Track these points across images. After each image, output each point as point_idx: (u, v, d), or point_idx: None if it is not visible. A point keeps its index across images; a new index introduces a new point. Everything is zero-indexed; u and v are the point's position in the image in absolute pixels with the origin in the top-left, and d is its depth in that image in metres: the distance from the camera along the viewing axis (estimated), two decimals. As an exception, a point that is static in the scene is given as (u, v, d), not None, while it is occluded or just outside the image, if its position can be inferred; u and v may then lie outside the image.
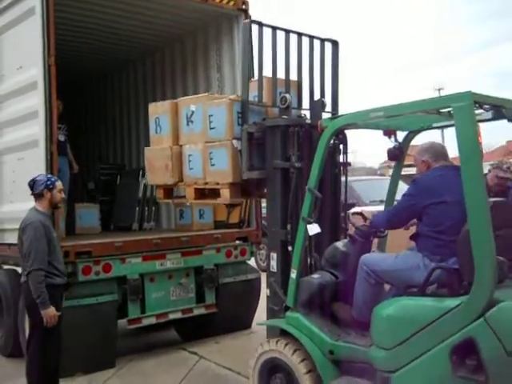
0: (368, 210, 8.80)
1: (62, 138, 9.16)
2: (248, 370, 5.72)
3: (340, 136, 5.93)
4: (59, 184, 6.17)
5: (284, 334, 5.44)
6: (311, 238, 5.57)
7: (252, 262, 8.70)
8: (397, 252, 5.12)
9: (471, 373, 4.02)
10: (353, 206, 11.00)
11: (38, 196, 6.01)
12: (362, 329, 4.94)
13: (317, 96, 6.44)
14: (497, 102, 4.43)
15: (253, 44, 6.38)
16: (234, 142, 6.01)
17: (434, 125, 5.54)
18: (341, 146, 6.06)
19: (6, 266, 8.66)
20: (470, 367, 4.04)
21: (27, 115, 7.61)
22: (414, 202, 4.82)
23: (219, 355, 7.69)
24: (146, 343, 8.79)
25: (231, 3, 8.74)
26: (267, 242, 6.16)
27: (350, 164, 6.27)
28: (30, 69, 7.53)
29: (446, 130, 5.84)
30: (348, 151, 6.08)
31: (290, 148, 5.73)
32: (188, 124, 6.64)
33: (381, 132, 5.59)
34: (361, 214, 6.04)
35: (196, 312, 8.32)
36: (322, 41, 6.45)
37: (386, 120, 5.12)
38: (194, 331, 8.63)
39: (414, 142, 5.86)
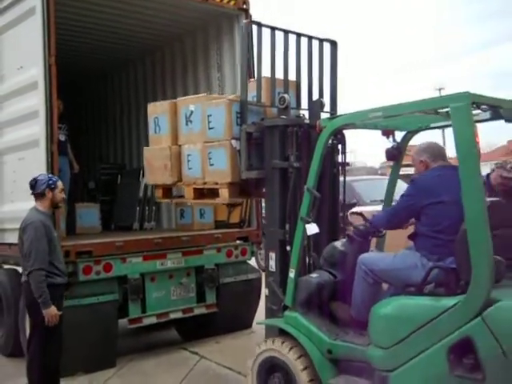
0: (366, 209, 8.85)
1: (62, 137, 9.19)
2: (247, 369, 5.76)
3: (338, 136, 5.96)
4: (60, 184, 6.21)
5: (282, 333, 5.47)
6: (310, 237, 5.58)
7: (252, 261, 8.73)
8: (395, 251, 5.16)
9: (468, 372, 4.05)
10: (354, 205, 11.07)
11: (39, 195, 6.03)
12: (360, 328, 4.96)
13: (315, 96, 6.45)
14: (494, 103, 4.45)
15: (252, 44, 6.42)
16: (233, 141, 6.04)
17: (432, 125, 5.57)
18: (339, 146, 6.08)
19: (6, 266, 8.68)
20: (467, 366, 4.06)
21: (28, 115, 7.64)
22: (413, 201, 4.86)
23: (220, 355, 7.71)
24: (147, 343, 8.82)
25: (232, 3, 8.76)
26: (265, 241, 6.20)
27: (348, 164, 6.30)
28: (30, 69, 7.57)
29: (446, 130, 5.82)
30: (346, 151, 6.11)
31: (288, 148, 5.76)
32: (187, 124, 6.67)
33: (380, 132, 5.64)
34: (360, 214, 6.07)
35: (197, 312, 8.33)
36: (321, 41, 6.47)
37: (385, 120, 5.15)
38: (194, 331, 8.66)
39: (412, 142, 5.89)
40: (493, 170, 7.06)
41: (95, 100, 13.60)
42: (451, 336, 4.13)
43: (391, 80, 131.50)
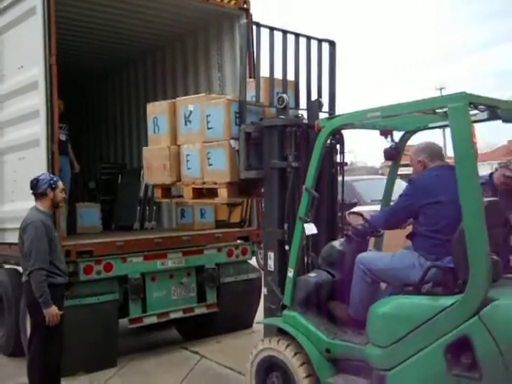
0: (364, 209, 8.88)
1: (63, 137, 9.20)
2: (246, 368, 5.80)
3: (337, 136, 5.98)
4: (61, 184, 6.24)
5: (281, 332, 5.51)
6: (308, 237, 5.61)
7: (253, 261, 8.76)
8: (393, 251, 5.19)
9: (466, 370, 4.09)
10: (354, 205, 11.11)
11: (40, 195, 6.05)
12: (359, 327, 5.00)
13: (314, 96, 6.47)
14: (491, 103, 4.48)
15: (252, 44, 6.44)
16: (232, 141, 6.05)
17: (431, 125, 5.59)
18: (338, 146, 6.11)
19: (7, 266, 8.71)
20: (464, 365, 4.10)
21: (28, 115, 7.67)
22: (411, 201, 4.88)
23: (220, 355, 7.73)
24: (148, 342, 8.85)
25: (232, 2, 8.78)
26: (264, 241, 6.23)
27: (346, 164, 6.31)
28: (31, 68, 7.59)
29: (447, 130, 5.80)
30: (345, 151, 6.13)
31: (287, 148, 5.79)
32: (186, 124, 6.69)
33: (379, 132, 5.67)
34: (358, 213, 6.09)
35: (197, 311, 8.37)
36: (320, 41, 6.49)
37: (383, 120, 5.17)
38: (195, 330, 8.69)
39: (410, 142, 5.92)
40: (496, 170, 7.09)
41: (96, 100, 13.61)
42: (449, 335, 4.17)
43: (391, 80, 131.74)
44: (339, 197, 6.25)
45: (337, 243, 5.77)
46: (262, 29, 6.11)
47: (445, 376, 4.18)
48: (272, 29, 6.14)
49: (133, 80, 12.06)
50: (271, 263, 5.92)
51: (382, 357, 4.57)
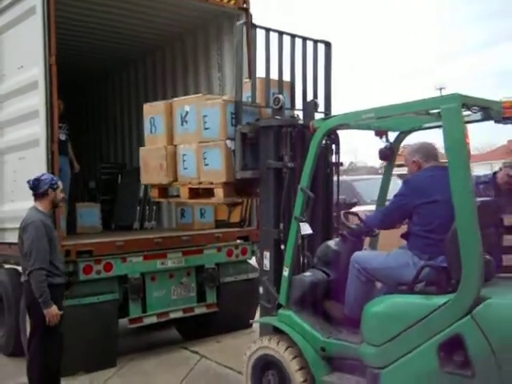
0: (364, 209, 8.91)
1: (62, 137, 9.23)
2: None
3: (332, 136, 6.04)
4: (61, 184, 6.31)
5: (277, 331, 5.57)
6: (304, 236, 5.67)
7: (253, 261, 8.78)
8: (388, 250, 5.24)
9: (458, 368, 4.15)
10: (354, 205, 11.13)
11: (41, 195, 6.08)
12: (353, 326, 5.04)
13: (310, 97, 6.52)
14: (484, 104, 4.54)
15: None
16: (228, 142, 6.10)
17: (425, 125, 5.63)
18: (333, 146, 6.16)
19: (6, 265, 8.74)
20: (457, 363, 4.16)
21: (28, 114, 7.70)
22: (406, 201, 4.93)
23: (220, 354, 7.77)
24: (147, 342, 8.89)
25: (232, 2, 8.82)
26: (260, 240, 6.26)
27: (342, 164, 6.36)
28: (30, 68, 7.62)
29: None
30: (345, 151, 6.19)
31: (282, 148, 5.83)
32: (182, 124, 6.75)
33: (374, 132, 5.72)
34: (354, 213, 6.11)
35: (197, 311, 8.41)
36: (315, 42, 6.54)
37: (378, 121, 5.22)
38: (195, 330, 8.73)
39: (406, 142, 5.95)
40: (500, 169, 7.10)
41: (96, 100, 13.66)
42: (442, 334, 4.23)
43: (391, 79, 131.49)
44: (335, 197, 6.29)
45: (332, 243, 5.81)
46: (258, 30, 6.16)
47: (438, 374, 4.25)
48: (268, 30, 6.18)
49: (133, 80, 12.11)
50: (267, 262, 5.96)
51: (376, 355, 4.63)
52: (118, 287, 7.65)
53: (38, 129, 7.42)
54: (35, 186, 6.07)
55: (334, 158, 6.22)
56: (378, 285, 5.43)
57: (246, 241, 9.00)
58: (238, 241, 9.04)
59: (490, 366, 4.01)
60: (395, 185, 5.85)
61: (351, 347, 4.94)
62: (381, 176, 6.29)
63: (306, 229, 5.38)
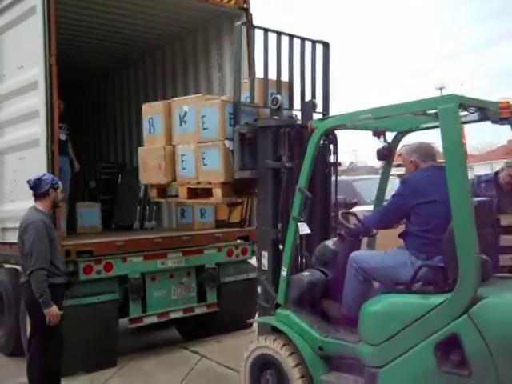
0: (364, 209, 8.93)
1: (63, 137, 9.25)
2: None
3: (330, 136, 6.06)
4: (61, 184, 6.34)
5: (275, 330, 5.60)
6: (302, 236, 5.69)
7: (253, 261, 8.81)
8: (386, 250, 5.27)
9: (455, 368, 4.19)
10: (354, 205, 11.15)
11: (42, 195, 6.10)
12: (351, 325, 5.07)
13: (308, 97, 6.54)
14: (481, 105, 4.58)
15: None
16: (226, 142, 6.12)
17: (422, 126, 5.66)
18: (331, 147, 6.18)
19: (7, 265, 8.73)
20: (454, 362, 4.20)
21: (28, 114, 7.73)
22: (403, 201, 4.96)
23: (221, 354, 7.79)
24: (148, 342, 8.93)
25: (232, 2, 8.83)
26: (258, 240, 6.29)
27: (340, 164, 6.38)
28: (30, 68, 7.64)
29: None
30: (343, 151, 6.22)
31: (280, 148, 5.87)
32: (181, 124, 6.78)
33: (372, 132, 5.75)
34: (352, 213, 6.13)
35: (197, 311, 8.44)
36: (314, 42, 6.57)
37: (375, 121, 5.24)
38: (195, 330, 8.77)
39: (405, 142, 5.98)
40: (502, 169, 7.14)
41: (96, 99, 13.68)
42: (439, 333, 4.27)
43: (391, 79, 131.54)
44: (333, 197, 6.32)
45: (330, 243, 5.84)
46: (257, 30, 6.20)
47: (435, 373, 4.28)
48: (266, 30, 6.21)
49: (133, 80, 12.13)
50: (265, 262, 5.99)
51: (373, 354, 4.66)
52: (118, 287, 7.68)
53: (38, 129, 7.44)
54: (36, 186, 6.09)
55: (332, 158, 6.25)
56: (376, 284, 5.46)
57: (247, 241, 9.02)
58: (239, 241, 9.06)
59: (487, 366, 4.04)
60: (395, 185, 5.88)
61: (349, 346, 4.96)
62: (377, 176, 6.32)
63: (304, 229, 5.41)
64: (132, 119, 11.90)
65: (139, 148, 7.49)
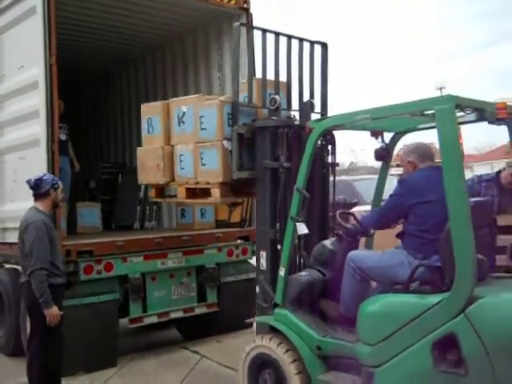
0: (364, 209, 8.96)
1: (63, 137, 9.27)
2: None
3: (328, 137, 6.09)
4: (61, 184, 6.37)
5: (273, 330, 5.64)
6: (300, 236, 5.73)
7: (253, 261, 8.85)
8: (384, 250, 5.31)
9: (452, 367, 4.23)
10: (355, 205, 11.16)
11: (43, 195, 6.12)
12: (349, 325, 5.10)
13: (306, 97, 6.58)
14: (478, 105, 4.61)
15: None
16: (225, 142, 6.16)
17: (420, 126, 5.69)
18: (329, 147, 6.21)
19: (7, 265, 8.76)
20: (450, 362, 4.23)
21: (28, 114, 7.76)
22: (401, 201, 4.99)
23: (221, 354, 7.82)
24: (148, 342, 8.96)
25: (232, 2, 8.87)
26: (257, 240, 6.33)
27: (338, 164, 6.42)
28: (31, 68, 7.68)
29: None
30: (336, 151, 6.22)
31: (279, 148, 5.89)
32: (179, 125, 6.82)
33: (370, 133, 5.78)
34: (350, 214, 6.17)
35: (197, 311, 8.47)
36: (312, 43, 6.61)
37: (373, 121, 5.28)
38: (195, 330, 8.79)
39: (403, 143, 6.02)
40: (504, 169, 7.18)
41: (96, 99, 13.72)
42: (435, 332, 4.30)
43: (391, 79, 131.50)
44: (331, 197, 6.37)
45: (328, 242, 5.89)
46: (255, 31, 6.23)
47: (431, 372, 4.32)
48: (264, 31, 6.25)
49: (133, 80, 12.17)
50: (263, 262, 6.03)
51: (371, 354, 4.70)
52: (119, 287, 7.71)
53: (38, 129, 7.48)
54: (37, 186, 6.11)
55: (330, 159, 6.28)
56: (374, 284, 5.50)
57: (247, 241, 9.05)
58: (239, 241, 9.09)
59: (483, 365, 4.07)
60: (394, 185, 5.92)
61: (347, 346, 5.00)
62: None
63: (302, 229, 5.44)
64: (132, 119, 11.91)
65: (138, 148, 7.54)
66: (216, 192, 6.33)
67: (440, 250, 4.55)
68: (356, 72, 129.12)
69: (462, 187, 4.25)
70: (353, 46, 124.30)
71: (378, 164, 6.47)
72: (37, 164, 7.33)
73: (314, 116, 6.38)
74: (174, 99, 7.24)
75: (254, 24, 6.94)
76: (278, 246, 5.81)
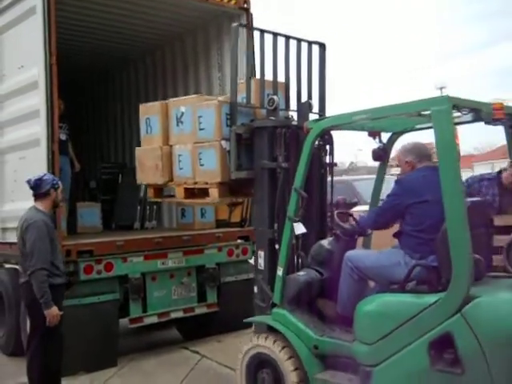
0: (364, 209, 8.99)
1: (63, 137, 9.30)
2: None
3: (326, 137, 6.14)
4: (61, 184, 6.41)
5: (271, 329, 5.69)
6: (298, 236, 5.78)
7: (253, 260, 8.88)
8: (381, 250, 5.36)
9: (448, 366, 4.27)
10: (355, 204, 11.20)
11: (43, 195, 6.15)
12: (346, 324, 5.15)
13: (304, 98, 6.64)
14: (474, 106, 4.64)
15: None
16: (223, 142, 6.21)
17: (417, 126, 5.74)
18: (327, 147, 6.26)
19: (7, 265, 8.79)
20: (447, 361, 4.28)
21: (28, 114, 7.79)
22: (399, 201, 5.02)
23: (221, 354, 7.85)
24: (148, 342, 8.99)
25: (232, 2, 8.90)
26: (255, 240, 6.37)
27: (336, 164, 6.44)
28: (31, 68, 7.71)
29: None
30: (334, 152, 6.26)
31: (277, 149, 5.94)
32: (178, 125, 6.87)
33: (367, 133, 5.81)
34: (348, 214, 6.21)
35: (198, 311, 8.51)
36: (310, 43, 6.66)
37: (371, 122, 5.34)
38: (195, 330, 8.83)
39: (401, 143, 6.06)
40: (505, 169, 7.22)
41: (96, 99, 13.75)
42: (432, 332, 4.35)
43: (391, 79, 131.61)
44: (329, 197, 6.37)
45: (325, 242, 5.92)
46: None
47: (428, 371, 4.37)
48: (262, 31, 6.29)
49: (133, 79, 12.21)
50: (261, 262, 6.08)
51: (368, 353, 4.75)
52: (119, 287, 7.75)
53: (38, 128, 7.50)
54: (37, 186, 6.13)
55: (327, 159, 6.32)
56: (371, 283, 5.54)
57: (247, 240, 9.08)
58: (239, 240, 9.12)
59: (480, 364, 4.11)
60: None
61: (344, 345, 5.05)
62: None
63: (299, 228, 5.49)
64: (132, 119, 11.85)
65: (136, 148, 7.58)
66: (214, 192, 6.38)
67: (437, 250, 4.59)
68: (356, 72, 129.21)
69: (458, 187, 4.29)
70: (353, 46, 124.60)
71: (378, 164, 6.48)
72: (37, 164, 7.36)
73: (312, 116, 6.43)
74: (172, 99, 7.28)
75: (254, 24, 6.95)
76: (276, 246, 5.86)
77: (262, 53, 6.29)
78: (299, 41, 6.59)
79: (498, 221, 6.00)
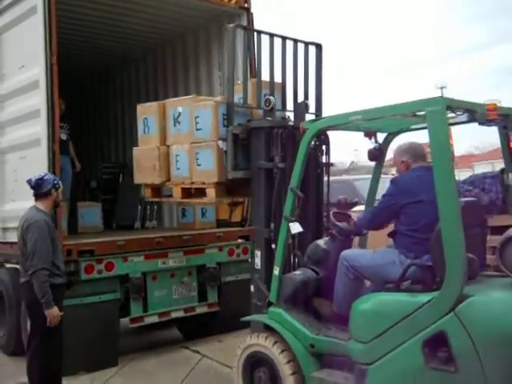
0: (362, 209, 9.08)
1: (64, 136, 9.40)
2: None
3: (322, 137, 6.23)
4: (62, 183, 6.47)
5: (267, 328, 5.77)
6: (294, 236, 5.86)
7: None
8: (376, 249, 5.45)
9: (442, 364, 4.35)
10: (355, 204, 11.27)
11: (44, 195, 6.19)
12: (342, 323, 5.23)
13: (301, 98, 6.72)
14: (469, 107, 4.72)
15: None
16: (220, 142, 6.28)
17: (413, 127, 5.80)
18: (323, 147, 6.35)
19: (8, 265, 8.85)
20: (441, 359, 4.36)
21: (29, 114, 7.85)
22: (394, 201, 5.10)
23: (222, 354, 7.89)
24: (149, 342, 9.05)
25: (233, 1, 8.96)
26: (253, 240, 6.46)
27: (332, 164, 6.55)
28: (31, 68, 7.77)
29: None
30: (330, 152, 6.33)
31: (273, 149, 6.04)
32: (175, 125, 6.95)
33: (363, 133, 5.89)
34: (344, 214, 6.28)
35: (198, 310, 8.57)
36: (306, 44, 6.74)
37: (367, 122, 5.40)
38: (196, 330, 8.88)
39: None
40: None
41: (97, 99, 13.79)
42: (426, 330, 4.43)
43: (391, 79, 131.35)
44: (325, 197, 6.48)
45: (321, 242, 6.02)
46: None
47: (422, 369, 4.45)
48: (259, 32, 6.39)
49: (134, 79, 12.25)
50: (258, 261, 6.17)
51: (363, 352, 4.83)
52: (120, 287, 7.80)
53: (39, 128, 7.56)
54: (38, 186, 6.17)
55: (324, 159, 6.41)
56: (367, 282, 5.61)
57: (247, 240, 9.12)
58: (240, 240, 9.18)
59: (473, 362, 4.19)
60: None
61: (340, 344, 5.12)
62: (382, 176, 6.45)
63: (295, 228, 5.56)
64: (133, 119, 11.64)
65: (134, 148, 7.65)
66: (211, 192, 6.46)
67: (431, 250, 4.67)
68: (356, 72, 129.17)
69: (452, 187, 4.36)
70: (353, 46, 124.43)
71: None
72: (38, 164, 7.41)
73: (309, 117, 6.48)
74: (170, 99, 7.37)
75: (255, 24, 7.00)
76: (273, 246, 5.93)
77: (258, 53, 6.38)
78: (296, 41, 6.66)
79: (492, 221, 6.08)
